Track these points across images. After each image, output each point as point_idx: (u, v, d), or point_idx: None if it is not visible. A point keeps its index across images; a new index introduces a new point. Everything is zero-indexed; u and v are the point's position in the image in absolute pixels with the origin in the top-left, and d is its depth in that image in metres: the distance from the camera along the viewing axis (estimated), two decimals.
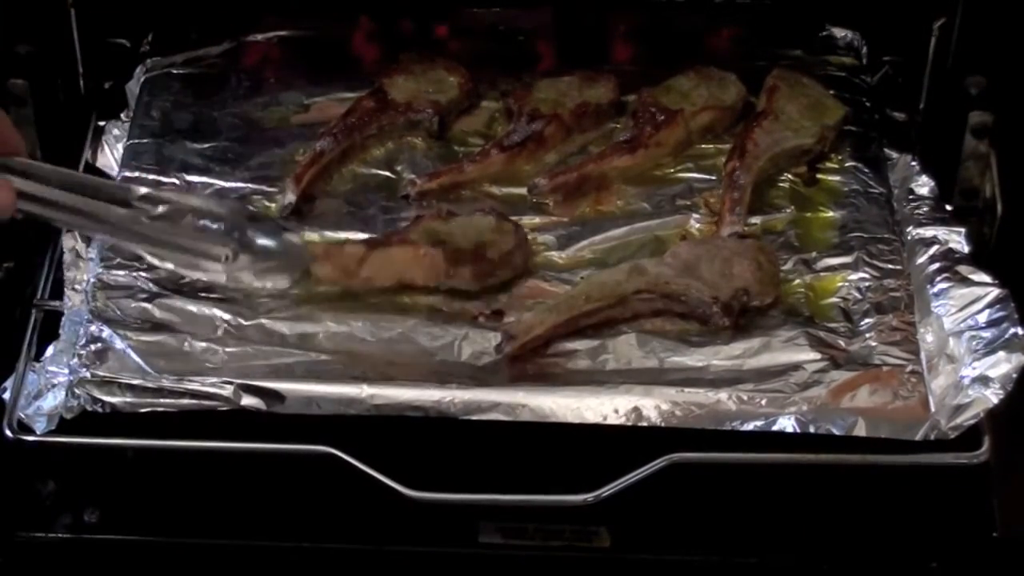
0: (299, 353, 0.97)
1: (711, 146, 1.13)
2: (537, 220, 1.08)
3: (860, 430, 0.91)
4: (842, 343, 0.97)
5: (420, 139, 1.15)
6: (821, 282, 1.02)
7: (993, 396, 0.90)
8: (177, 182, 1.09)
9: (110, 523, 0.96)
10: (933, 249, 1.02)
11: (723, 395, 0.92)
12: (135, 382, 0.94)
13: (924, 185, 1.07)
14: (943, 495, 0.94)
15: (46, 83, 1.09)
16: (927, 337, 0.97)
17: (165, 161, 1.12)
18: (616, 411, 0.92)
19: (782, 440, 0.91)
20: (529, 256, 1.04)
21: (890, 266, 1.02)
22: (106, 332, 0.97)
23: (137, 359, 0.95)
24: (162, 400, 0.93)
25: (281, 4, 1.26)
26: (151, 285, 1.01)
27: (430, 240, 1.01)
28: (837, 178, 1.10)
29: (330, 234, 1.06)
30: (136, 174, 1.10)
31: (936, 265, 1.00)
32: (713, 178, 1.10)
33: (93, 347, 0.96)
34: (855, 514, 0.95)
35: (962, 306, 0.96)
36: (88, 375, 0.94)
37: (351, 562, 0.94)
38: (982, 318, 0.95)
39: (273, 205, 1.09)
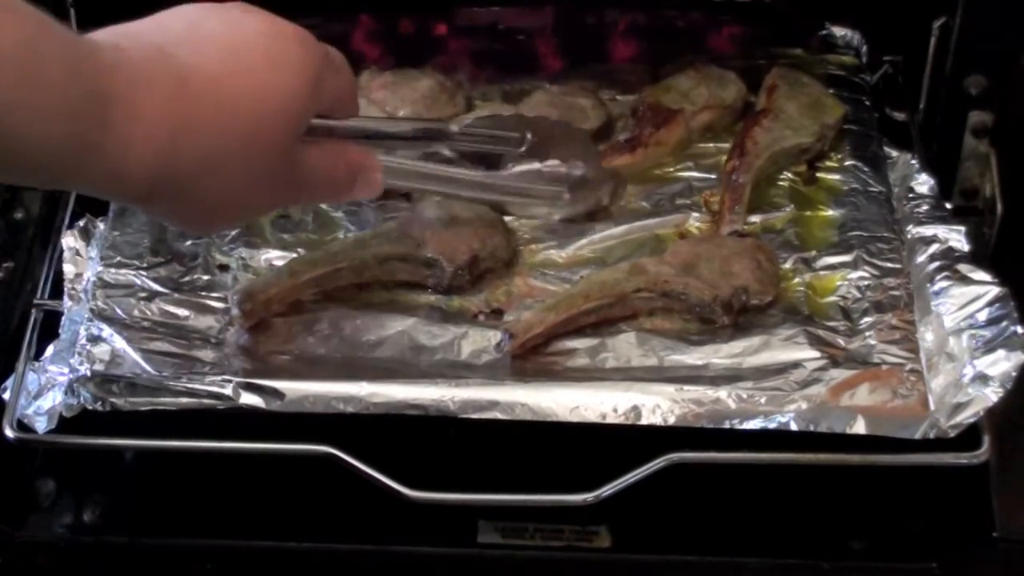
0: (298, 351, 0.97)
1: (711, 145, 1.13)
2: (537, 219, 1.08)
3: (860, 428, 0.90)
4: (842, 341, 0.97)
5: None
6: (821, 281, 1.02)
7: (992, 394, 0.89)
8: None
9: (110, 523, 0.96)
10: (933, 248, 1.01)
11: (723, 393, 0.92)
12: (135, 381, 0.94)
13: (924, 183, 1.07)
14: (943, 495, 0.94)
15: None
16: (927, 335, 0.97)
17: None
18: (615, 409, 0.92)
19: (781, 438, 0.91)
20: (513, 245, 1.04)
21: (890, 264, 1.02)
22: (106, 331, 0.97)
23: (137, 358, 0.95)
24: (162, 399, 0.93)
25: (280, 3, 1.26)
26: (151, 284, 1.01)
27: None
28: (837, 177, 1.10)
29: (320, 238, 1.06)
30: None
31: (936, 264, 1.00)
32: (713, 177, 1.10)
33: (93, 346, 0.96)
34: (855, 513, 0.95)
35: (962, 304, 0.96)
36: (88, 374, 0.94)
37: (350, 562, 0.94)
38: (982, 316, 0.95)
39: None
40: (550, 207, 1.05)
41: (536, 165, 1.00)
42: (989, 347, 0.92)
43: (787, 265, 1.03)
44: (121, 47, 0.69)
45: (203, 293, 1.01)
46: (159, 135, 0.68)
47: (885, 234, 1.04)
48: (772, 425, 0.91)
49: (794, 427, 0.91)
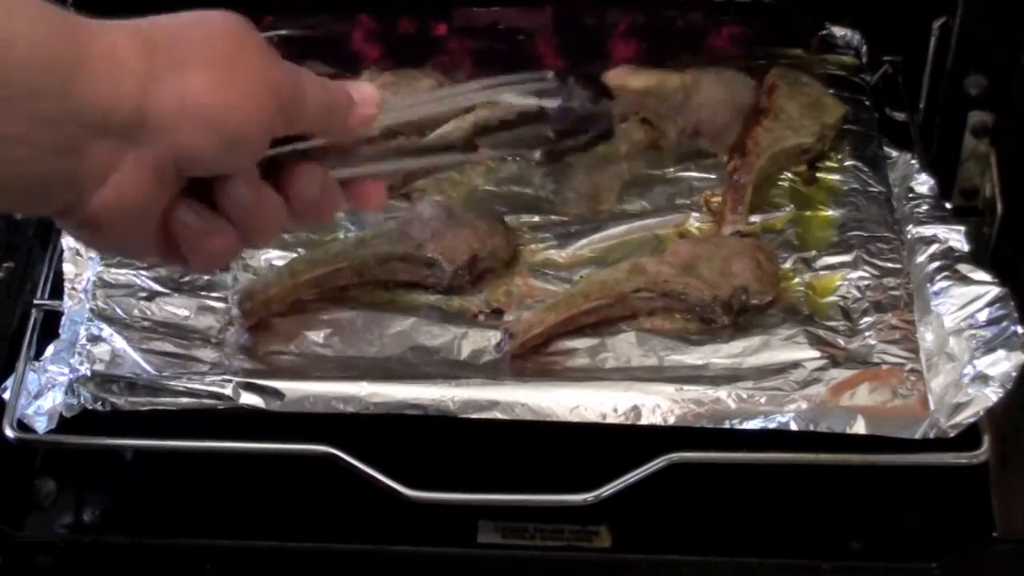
0: (298, 351, 0.97)
1: None
2: (536, 219, 1.08)
3: (859, 428, 0.90)
4: (841, 341, 0.97)
5: None
6: (820, 280, 1.02)
7: (992, 394, 0.90)
8: None
9: (110, 523, 0.96)
10: (933, 248, 1.01)
11: (722, 393, 0.92)
12: (135, 381, 0.94)
13: (924, 183, 1.07)
14: (942, 495, 0.94)
15: None
16: (927, 335, 0.97)
17: None
18: (615, 409, 0.92)
19: (781, 438, 0.91)
20: (513, 245, 1.04)
21: (890, 264, 1.02)
22: (106, 331, 0.97)
23: (137, 358, 0.95)
24: (162, 399, 0.93)
25: (282, 4, 1.26)
26: (151, 284, 1.01)
27: None
28: (837, 177, 1.10)
29: (320, 238, 1.06)
30: None
31: (936, 264, 1.00)
32: (713, 177, 1.10)
33: (93, 346, 0.96)
34: (855, 513, 0.95)
35: (962, 304, 0.96)
36: (88, 374, 0.94)
37: (350, 562, 0.94)
38: (982, 316, 0.95)
39: None
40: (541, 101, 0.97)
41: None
42: (989, 347, 0.92)
43: (787, 265, 1.03)
44: None
45: (203, 293, 1.01)
46: (134, 40, 0.69)
47: (885, 234, 1.04)
48: (772, 425, 0.91)
49: (794, 427, 0.91)
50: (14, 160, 0.66)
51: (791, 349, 0.96)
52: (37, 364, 0.96)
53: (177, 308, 1.00)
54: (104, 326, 0.97)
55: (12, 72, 0.65)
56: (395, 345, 0.98)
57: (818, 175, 1.11)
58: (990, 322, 0.94)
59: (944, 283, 0.98)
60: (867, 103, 1.17)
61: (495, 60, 1.22)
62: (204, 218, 0.74)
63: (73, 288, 1.01)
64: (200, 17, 0.73)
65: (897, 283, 1.00)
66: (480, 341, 0.98)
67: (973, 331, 0.94)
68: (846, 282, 1.01)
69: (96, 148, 0.68)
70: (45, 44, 0.66)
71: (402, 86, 1.14)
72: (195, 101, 0.70)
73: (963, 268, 0.99)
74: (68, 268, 1.02)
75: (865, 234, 1.04)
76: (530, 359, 0.97)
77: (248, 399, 0.92)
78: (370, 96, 0.81)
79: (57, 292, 1.02)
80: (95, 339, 0.96)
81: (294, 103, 0.75)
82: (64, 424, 0.93)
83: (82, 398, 0.93)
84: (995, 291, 0.96)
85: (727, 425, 0.91)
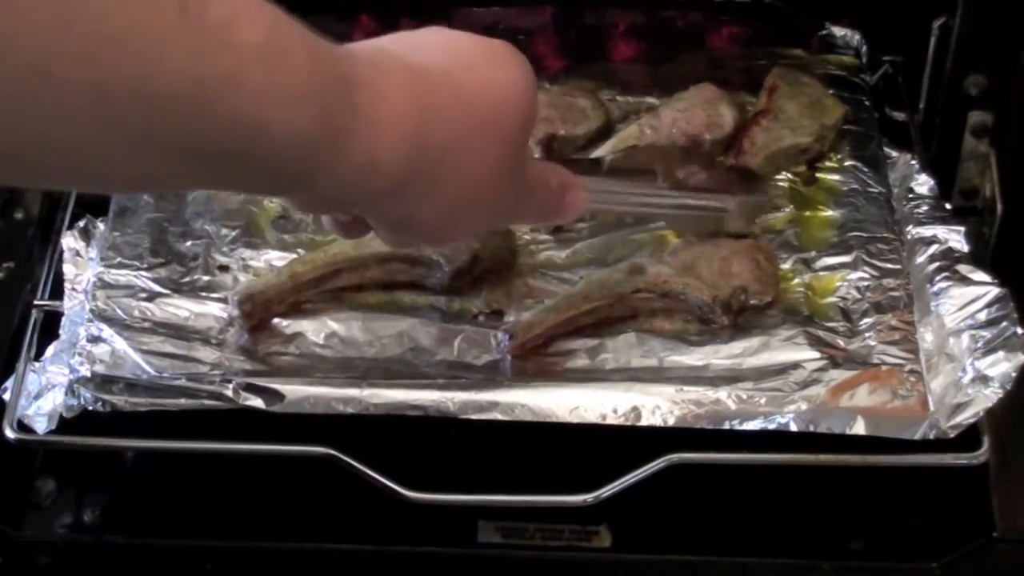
0: (298, 352, 0.97)
1: None
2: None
3: (859, 429, 0.90)
4: (841, 342, 0.97)
5: None
6: (820, 281, 1.02)
7: (992, 395, 0.90)
8: None
9: (110, 523, 0.96)
10: (933, 248, 1.01)
11: (722, 394, 0.92)
12: (135, 381, 0.94)
13: (924, 184, 1.07)
14: (942, 495, 0.94)
15: None
16: (926, 336, 0.97)
17: None
18: (615, 410, 0.92)
19: (781, 439, 0.91)
20: (513, 246, 1.04)
21: (889, 265, 1.02)
22: (106, 331, 0.97)
23: (137, 358, 0.95)
24: (162, 399, 0.93)
25: (281, 3, 1.26)
26: (151, 284, 1.01)
27: None
28: (836, 177, 1.10)
29: (320, 239, 1.06)
30: None
31: (936, 264, 1.00)
32: None
33: (93, 346, 0.96)
34: (855, 513, 0.95)
35: (961, 305, 0.96)
36: (88, 374, 0.94)
37: (350, 562, 0.94)
38: (981, 317, 0.95)
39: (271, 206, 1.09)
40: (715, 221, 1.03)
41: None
42: (989, 348, 0.93)
43: (787, 265, 1.03)
44: (346, 46, 0.68)
45: (203, 294, 1.01)
46: (408, 115, 0.67)
47: (885, 235, 1.04)
48: (772, 426, 0.91)
49: (794, 428, 0.91)
50: None
51: (791, 350, 0.96)
52: (37, 365, 0.96)
53: (177, 308, 1.00)
54: (104, 327, 0.97)
55: (260, 164, 0.62)
56: (395, 345, 0.98)
57: (818, 175, 1.11)
58: (990, 323, 0.94)
59: (944, 284, 0.98)
60: (867, 103, 1.16)
61: None
62: None
63: (73, 289, 1.01)
64: (494, 98, 0.72)
65: (897, 284, 1.00)
66: (480, 341, 0.98)
67: (973, 332, 0.94)
68: (846, 283, 1.01)
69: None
70: (305, 131, 0.62)
71: None
72: (424, 227, 0.71)
73: (963, 268, 0.99)
74: (68, 268, 1.02)
75: (865, 235, 1.04)
76: (530, 360, 0.97)
77: (248, 400, 0.92)
78: (581, 195, 0.83)
79: (57, 292, 1.02)
80: (95, 340, 0.96)
81: (515, 212, 0.80)
82: (64, 425, 0.93)
83: (82, 399, 0.93)
84: (995, 291, 0.96)
85: (727, 426, 0.91)
